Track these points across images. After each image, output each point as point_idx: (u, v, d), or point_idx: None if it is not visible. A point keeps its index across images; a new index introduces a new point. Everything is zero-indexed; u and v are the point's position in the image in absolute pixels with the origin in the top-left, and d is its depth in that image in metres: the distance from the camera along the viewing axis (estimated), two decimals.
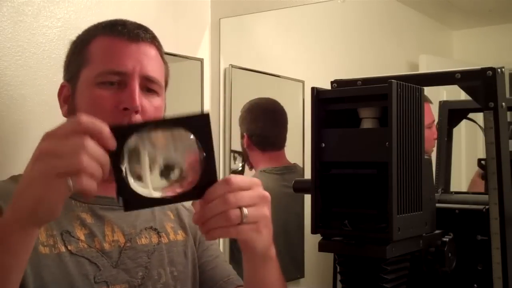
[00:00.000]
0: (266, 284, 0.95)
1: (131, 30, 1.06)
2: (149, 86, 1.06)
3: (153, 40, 1.09)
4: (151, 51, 1.08)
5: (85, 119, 0.73)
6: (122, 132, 0.77)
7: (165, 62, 1.13)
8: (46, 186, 0.72)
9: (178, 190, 0.81)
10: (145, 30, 1.09)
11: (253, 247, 0.88)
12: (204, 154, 0.80)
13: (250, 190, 0.83)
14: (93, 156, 0.72)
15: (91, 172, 0.72)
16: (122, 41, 1.05)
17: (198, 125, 0.80)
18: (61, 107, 1.12)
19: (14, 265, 0.77)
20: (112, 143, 0.75)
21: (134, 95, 1.02)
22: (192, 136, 0.80)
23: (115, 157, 0.77)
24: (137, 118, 1.02)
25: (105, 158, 0.74)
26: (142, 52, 1.06)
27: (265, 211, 0.86)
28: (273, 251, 0.93)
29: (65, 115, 1.10)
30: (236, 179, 0.82)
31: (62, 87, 1.12)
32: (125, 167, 0.78)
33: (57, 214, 0.75)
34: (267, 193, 0.87)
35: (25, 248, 0.77)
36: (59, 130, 0.74)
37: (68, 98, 1.09)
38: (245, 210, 0.82)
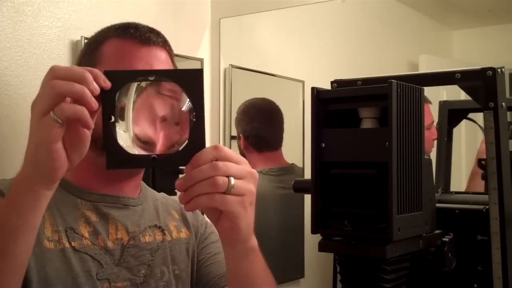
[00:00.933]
0: (250, 277, 0.92)
1: (143, 34, 1.07)
2: None
3: (164, 44, 1.10)
4: (162, 55, 1.08)
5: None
6: (115, 77, 0.77)
7: (175, 67, 1.13)
8: (38, 130, 0.74)
9: (163, 148, 0.81)
10: (157, 34, 1.10)
11: (237, 225, 0.84)
12: (194, 113, 0.79)
13: (238, 164, 0.82)
14: (65, 76, 0.74)
15: (69, 93, 0.74)
16: (133, 44, 1.06)
17: (190, 80, 0.79)
18: None
19: (21, 226, 0.78)
20: (105, 81, 0.76)
21: None
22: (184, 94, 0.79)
23: (105, 105, 0.77)
24: None
25: (81, 75, 0.75)
26: (153, 55, 1.07)
27: (252, 187, 0.84)
28: (254, 241, 0.91)
29: None
30: (226, 148, 0.82)
31: None
32: (114, 118, 0.78)
33: (57, 161, 0.75)
34: (255, 171, 0.85)
35: (32, 209, 0.78)
36: None
37: None
38: (233, 180, 0.80)
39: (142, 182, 1.17)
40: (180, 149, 0.80)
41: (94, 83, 0.76)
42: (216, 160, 0.80)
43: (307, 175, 0.93)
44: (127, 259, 1.04)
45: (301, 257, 1.98)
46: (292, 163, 2.04)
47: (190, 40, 1.89)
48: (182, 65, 1.84)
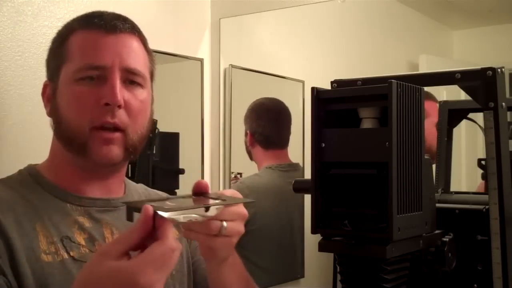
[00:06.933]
0: (224, 283, 1.01)
1: (108, 22, 1.02)
2: (131, 79, 1.02)
3: (132, 29, 1.04)
4: (132, 42, 1.03)
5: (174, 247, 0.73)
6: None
7: (149, 52, 1.08)
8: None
9: None
10: (124, 20, 1.05)
11: (217, 256, 0.95)
12: None
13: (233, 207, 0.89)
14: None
15: None
16: (99, 34, 1.01)
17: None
18: (45, 106, 1.07)
19: None
20: None
21: (115, 89, 0.98)
22: None
23: None
24: (121, 113, 0.99)
25: None
26: (121, 43, 1.01)
27: (241, 227, 0.91)
28: (232, 258, 1.00)
29: (49, 114, 1.06)
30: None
31: (45, 86, 1.08)
32: None
33: None
34: (245, 211, 0.92)
35: None
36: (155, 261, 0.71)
37: (51, 97, 1.05)
38: (225, 223, 0.87)
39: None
40: None
41: None
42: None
43: (307, 175, 0.93)
44: None
45: (301, 257, 1.98)
46: (297, 162, 2.07)
47: (190, 40, 1.89)
48: (182, 65, 1.85)
